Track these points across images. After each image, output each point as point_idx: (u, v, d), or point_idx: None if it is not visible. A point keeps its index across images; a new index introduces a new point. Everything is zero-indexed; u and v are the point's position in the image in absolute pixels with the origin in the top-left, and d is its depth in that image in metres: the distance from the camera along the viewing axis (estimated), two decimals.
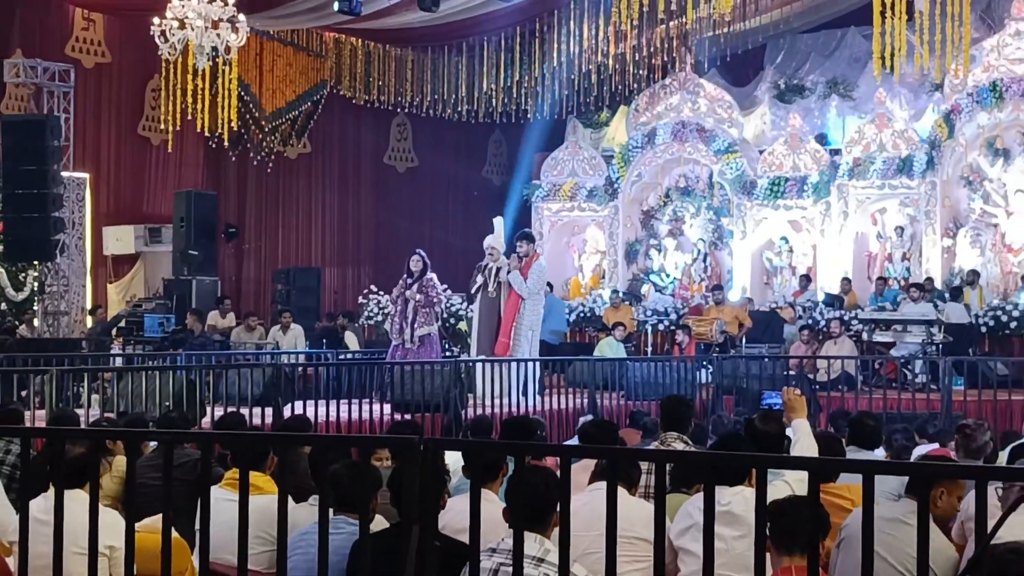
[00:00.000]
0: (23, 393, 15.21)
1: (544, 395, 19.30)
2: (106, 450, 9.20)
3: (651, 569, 5.39)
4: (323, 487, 5.63)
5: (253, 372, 16.97)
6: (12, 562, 6.67)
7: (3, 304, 25.58)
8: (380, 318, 26.58)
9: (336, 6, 24.27)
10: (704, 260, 29.50)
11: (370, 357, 21.84)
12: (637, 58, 29.25)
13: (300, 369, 19.27)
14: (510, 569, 5.47)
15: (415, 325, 19.75)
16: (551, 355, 22.15)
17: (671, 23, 27.60)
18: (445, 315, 26.96)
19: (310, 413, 14.94)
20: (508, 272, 19.73)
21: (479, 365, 18.85)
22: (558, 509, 5.87)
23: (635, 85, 29.99)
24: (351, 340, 24.81)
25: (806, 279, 27.34)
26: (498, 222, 20.90)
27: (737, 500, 6.86)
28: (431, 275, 20.03)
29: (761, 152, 28.80)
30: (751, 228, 28.44)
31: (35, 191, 23.89)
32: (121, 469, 9.03)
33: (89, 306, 26.75)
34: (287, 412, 15.26)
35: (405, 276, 20.02)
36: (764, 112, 30.62)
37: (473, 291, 20.50)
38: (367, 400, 17.08)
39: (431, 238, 32.65)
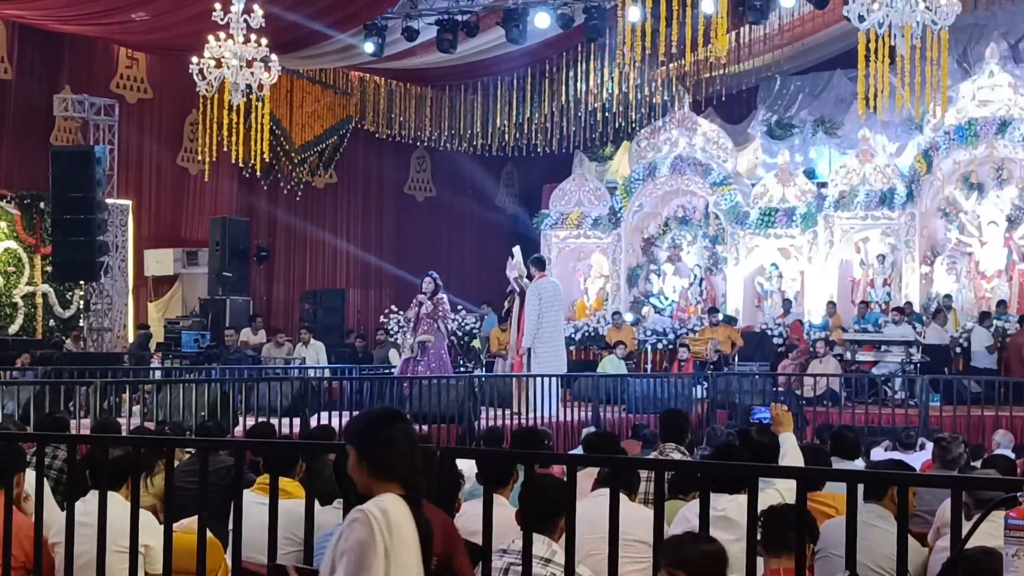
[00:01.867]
0: (70, 403, 15.22)
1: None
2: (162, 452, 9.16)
3: (650, 570, 5.39)
4: (346, 491, 5.63)
5: (282, 385, 16.99)
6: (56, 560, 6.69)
7: (51, 321, 25.62)
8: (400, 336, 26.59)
9: (371, 48, 24.37)
10: (700, 284, 29.51)
11: (390, 372, 21.86)
12: (639, 97, 29.27)
13: (325, 383, 19.27)
14: (520, 568, 5.48)
15: (417, 332, 19.81)
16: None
17: (670, 65, 27.64)
18: (460, 333, 27.03)
19: (335, 423, 14.93)
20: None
21: (514, 380, 19.08)
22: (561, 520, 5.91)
23: (637, 122, 30.00)
24: (394, 356, 24.81)
25: (788, 303, 27.40)
26: (516, 251, 21.06)
27: (732, 507, 6.85)
28: (443, 295, 20.13)
29: (753, 185, 28.84)
30: (744, 255, 28.45)
31: (81, 216, 23.92)
32: None
33: (131, 323, 26.77)
34: (313, 422, 15.26)
35: (419, 296, 20.14)
36: (756, 148, 30.65)
37: (504, 314, 20.78)
38: None
39: (448, 262, 32.66)
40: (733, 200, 28.31)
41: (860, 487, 7.28)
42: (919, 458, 13.06)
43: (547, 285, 20.71)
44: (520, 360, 20.23)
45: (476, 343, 27.56)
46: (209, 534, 6.12)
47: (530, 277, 20.32)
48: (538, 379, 19.00)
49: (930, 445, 14.10)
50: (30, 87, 25.82)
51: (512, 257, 20.87)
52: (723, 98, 29.41)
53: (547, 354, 20.26)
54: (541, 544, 5.77)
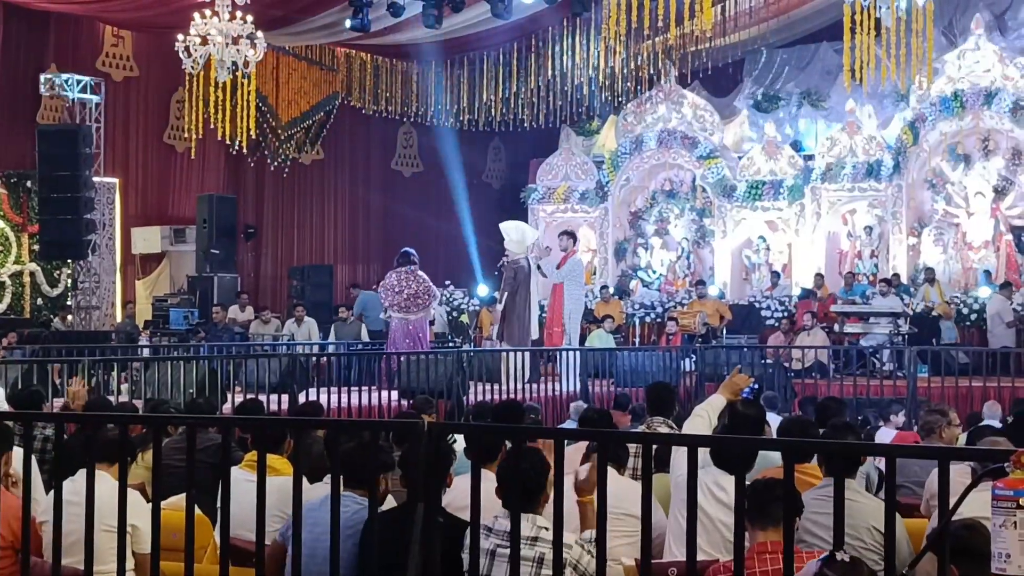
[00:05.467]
0: (57, 382, 15.20)
1: (539, 382, 19.30)
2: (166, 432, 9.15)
3: (639, 543, 5.39)
4: (335, 467, 5.62)
5: (270, 362, 16.99)
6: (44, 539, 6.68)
7: (39, 299, 25.58)
8: None
9: (348, 23, 24.22)
10: (688, 258, 29.55)
11: (378, 348, 21.85)
12: (625, 71, 29.27)
13: (313, 359, 19.26)
14: (505, 550, 5.46)
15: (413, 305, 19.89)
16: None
17: (657, 39, 27.60)
18: (448, 308, 27.07)
19: (323, 400, 14.93)
20: (539, 261, 20.24)
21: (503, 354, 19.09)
22: (547, 489, 5.87)
23: (624, 96, 30.02)
24: (364, 333, 24.70)
25: (776, 275, 27.46)
26: (515, 226, 21.20)
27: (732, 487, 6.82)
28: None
29: (740, 158, 28.86)
30: (731, 228, 28.48)
31: (69, 195, 23.87)
32: None
33: (119, 301, 26.73)
34: (302, 398, 15.26)
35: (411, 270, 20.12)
36: (743, 121, 30.66)
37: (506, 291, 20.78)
38: (375, 387, 17.14)
39: (435, 237, 32.63)
40: (720, 173, 28.34)
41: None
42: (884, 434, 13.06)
43: (579, 263, 21.23)
44: (561, 332, 20.55)
45: (464, 318, 27.55)
46: (197, 511, 6.11)
47: (522, 255, 20.46)
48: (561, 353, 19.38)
49: (894, 419, 14.18)
50: (15, 66, 25.74)
51: (513, 234, 20.90)
52: (709, 71, 29.43)
53: (572, 329, 20.70)
54: (525, 523, 5.71)
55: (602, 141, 32.00)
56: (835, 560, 4.26)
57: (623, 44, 27.08)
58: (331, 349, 22.61)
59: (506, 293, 20.64)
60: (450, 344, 23.75)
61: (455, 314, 27.90)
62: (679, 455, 6.98)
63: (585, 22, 26.96)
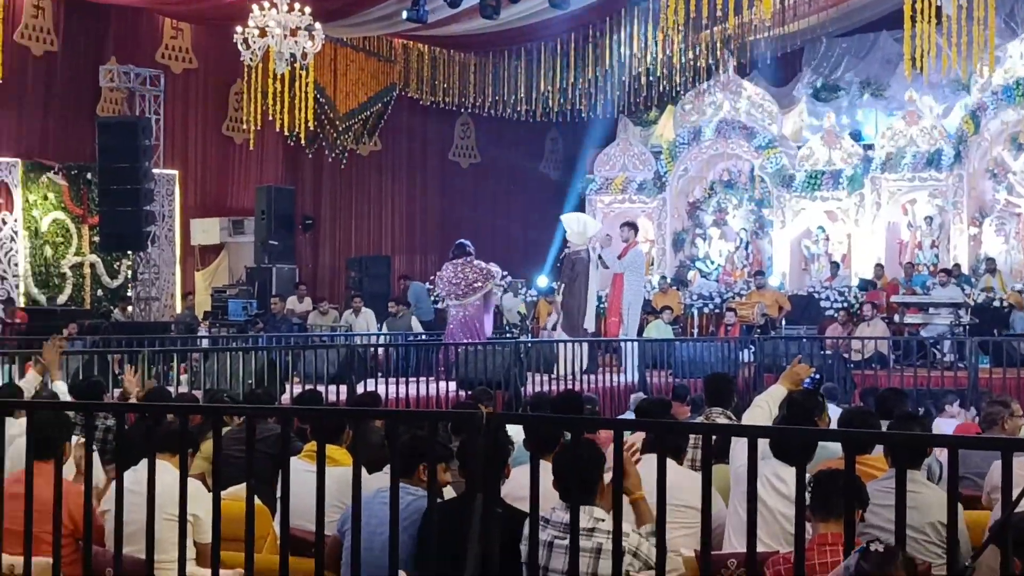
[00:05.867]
0: (117, 372, 15.28)
1: (597, 373, 19.31)
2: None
3: (698, 534, 5.38)
4: (394, 458, 5.62)
5: (328, 352, 17.03)
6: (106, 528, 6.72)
7: (99, 291, 25.77)
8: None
9: (404, 15, 24.25)
10: (746, 248, 29.43)
11: (434, 338, 21.87)
12: (684, 61, 29.14)
13: (371, 349, 19.28)
14: (563, 542, 5.45)
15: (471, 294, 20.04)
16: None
17: (715, 28, 27.49)
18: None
19: (381, 390, 14.93)
20: (600, 251, 20.32)
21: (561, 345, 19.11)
22: (603, 479, 5.86)
23: (682, 86, 29.91)
24: (416, 324, 24.56)
25: (836, 266, 27.29)
26: (576, 218, 21.37)
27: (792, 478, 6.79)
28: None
29: (799, 148, 28.70)
30: (790, 218, 28.34)
31: (128, 187, 23.99)
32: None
33: (178, 292, 26.88)
34: (360, 389, 15.29)
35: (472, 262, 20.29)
36: (802, 110, 30.50)
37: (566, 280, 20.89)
38: (433, 378, 17.16)
39: (492, 228, 32.63)
40: (779, 163, 28.20)
41: None
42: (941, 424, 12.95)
43: (640, 254, 21.38)
44: (618, 322, 20.65)
45: (522, 309, 27.52)
46: (257, 502, 6.13)
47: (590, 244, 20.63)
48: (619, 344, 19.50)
49: (949, 409, 14.10)
50: (76, 59, 25.94)
51: (575, 225, 20.99)
52: (768, 61, 29.31)
53: (632, 320, 20.79)
54: (582, 515, 5.69)
55: (660, 131, 31.92)
56: (870, 551, 4.25)
57: (681, 34, 27.00)
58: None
59: (564, 284, 20.72)
60: (507, 335, 23.73)
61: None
62: (739, 446, 6.95)
63: (643, 11, 26.88)
